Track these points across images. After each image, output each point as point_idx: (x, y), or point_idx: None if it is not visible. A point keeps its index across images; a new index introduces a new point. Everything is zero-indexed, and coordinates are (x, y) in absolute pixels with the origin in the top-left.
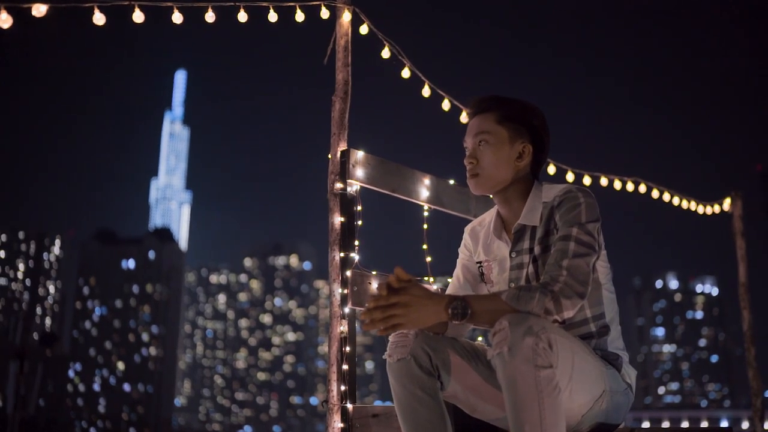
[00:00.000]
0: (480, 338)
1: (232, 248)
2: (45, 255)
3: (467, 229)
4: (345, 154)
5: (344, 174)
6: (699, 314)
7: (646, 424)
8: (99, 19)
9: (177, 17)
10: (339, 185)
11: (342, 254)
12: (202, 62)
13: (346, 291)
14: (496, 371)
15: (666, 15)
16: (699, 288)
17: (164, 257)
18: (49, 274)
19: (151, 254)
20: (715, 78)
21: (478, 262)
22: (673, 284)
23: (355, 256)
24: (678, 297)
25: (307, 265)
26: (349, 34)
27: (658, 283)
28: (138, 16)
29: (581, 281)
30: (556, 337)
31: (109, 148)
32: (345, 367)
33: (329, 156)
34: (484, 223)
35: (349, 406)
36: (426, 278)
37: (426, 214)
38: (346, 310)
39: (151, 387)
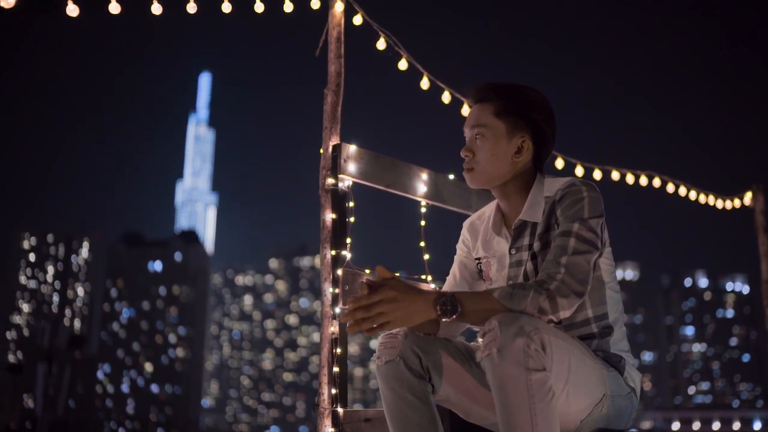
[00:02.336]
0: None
1: (258, 249)
2: (73, 258)
3: (466, 224)
4: (336, 149)
5: (336, 169)
6: (729, 313)
7: (676, 425)
8: (72, 10)
9: (156, 8)
10: (330, 181)
11: (333, 252)
12: (227, 64)
13: (337, 290)
14: (486, 374)
15: (684, 5)
16: (729, 286)
17: (190, 259)
18: (77, 276)
19: (178, 256)
20: (733, 68)
21: (476, 259)
22: (703, 282)
23: (347, 254)
24: (708, 295)
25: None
26: (342, 25)
27: (687, 282)
28: (114, 8)
29: (580, 280)
30: (549, 338)
31: (135, 151)
32: (336, 369)
33: (321, 151)
34: (483, 218)
35: (340, 410)
36: (424, 277)
37: (423, 210)
38: (337, 310)
39: (179, 388)
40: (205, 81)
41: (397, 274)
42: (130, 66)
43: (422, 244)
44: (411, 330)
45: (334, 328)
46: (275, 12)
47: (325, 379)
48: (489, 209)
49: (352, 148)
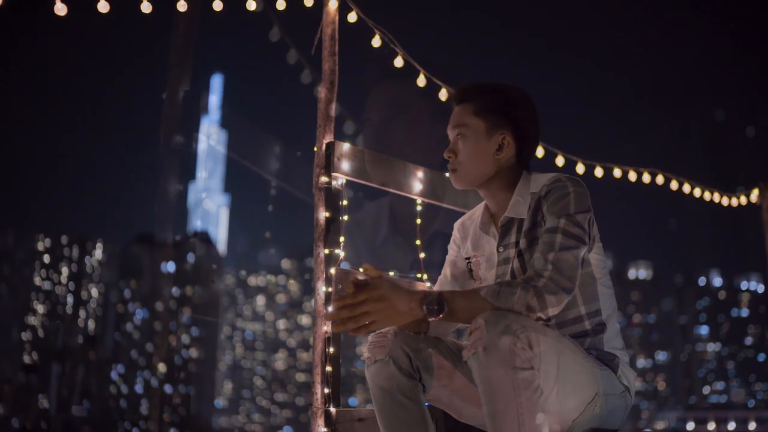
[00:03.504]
0: None
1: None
2: (87, 259)
3: (457, 224)
4: (330, 147)
5: (329, 167)
6: (744, 312)
7: (690, 425)
8: (60, 9)
9: (146, 6)
10: (324, 179)
11: (326, 251)
12: (240, 65)
13: (329, 289)
14: (472, 373)
15: (687, 2)
16: (744, 285)
17: (203, 260)
18: (91, 277)
19: (190, 257)
20: (735, 65)
21: (466, 258)
22: (717, 281)
23: (340, 253)
24: (722, 294)
25: (344, 266)
26: (336, 22)
27: (701, 281)
28: (103, 6)
29: (568, 276)
30: (537, 336)
31: (147, 152)
32: (328, 368)
33: (315, 149)
34: (473, 218)
35: (333, 409)
36: (419, 276)
37: (419, 208)
38: (330, 309)
39: (192, 389)
40: (217, 82)
41: (392, 273)
42: (142, 67)
43: (417, 242)
44: (401, 329)
45: (327, 327)
46: (269, 10)
47: (318, 379)
48: (479, 209)
49: (345, 146)
